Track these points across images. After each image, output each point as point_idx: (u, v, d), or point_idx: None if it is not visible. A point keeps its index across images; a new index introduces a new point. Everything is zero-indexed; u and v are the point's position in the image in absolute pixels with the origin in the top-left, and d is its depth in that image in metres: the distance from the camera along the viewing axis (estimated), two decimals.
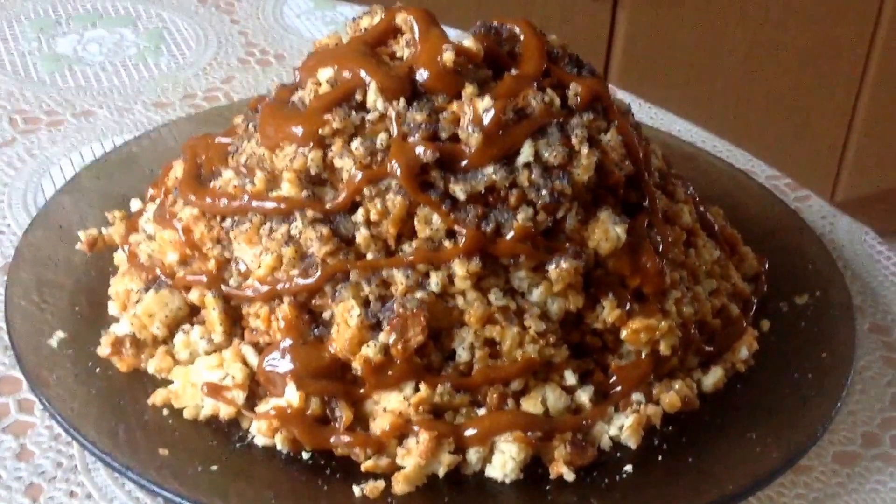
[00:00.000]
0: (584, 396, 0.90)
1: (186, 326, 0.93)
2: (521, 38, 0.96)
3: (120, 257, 1.02)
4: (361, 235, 0.87)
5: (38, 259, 1.02)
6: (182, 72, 1.44)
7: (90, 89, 1.39)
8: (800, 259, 1.10)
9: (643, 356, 0.91)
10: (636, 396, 0.90)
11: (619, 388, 0.91)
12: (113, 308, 0.98)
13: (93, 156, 1.25)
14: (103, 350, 0.92)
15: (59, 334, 0.94)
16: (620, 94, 1.34)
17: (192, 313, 0.94)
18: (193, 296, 0.93)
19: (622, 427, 0.89)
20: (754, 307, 1.03)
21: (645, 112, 1.43)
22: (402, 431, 0.85)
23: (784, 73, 2.62)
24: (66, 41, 1.48)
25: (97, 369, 0.92)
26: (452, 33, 0.97)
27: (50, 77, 1.41)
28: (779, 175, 1.34)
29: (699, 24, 2.48)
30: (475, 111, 0.88)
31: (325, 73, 0.93)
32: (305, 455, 0.86)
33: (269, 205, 0.90)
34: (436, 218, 0.87)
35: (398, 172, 0.87)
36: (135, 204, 1.10)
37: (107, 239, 1.04)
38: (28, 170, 1.22)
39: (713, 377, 0.94)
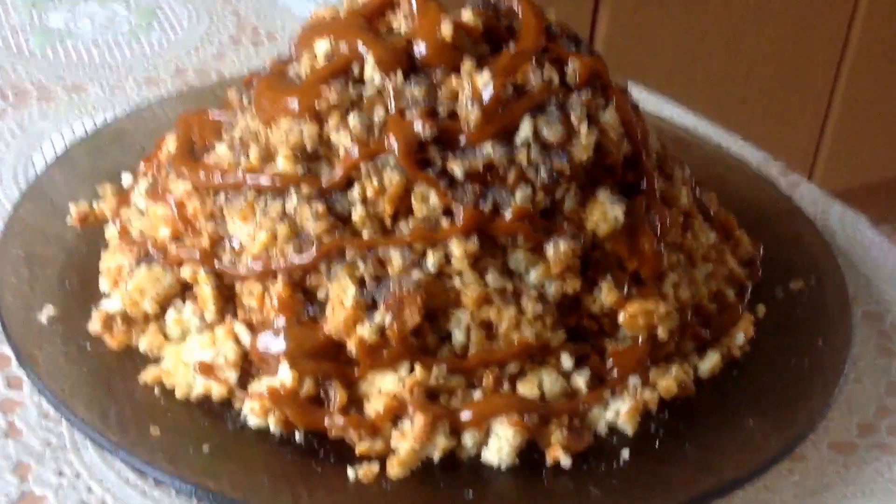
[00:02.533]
0: (580, 380, 0.88)
1: (178, 303, 0.92)
2: (519, 13, 0.95)
3: (111, 232, 1.00)
4: (357, 213, 0.86)
5: (27, 234, 1.00)
6: (174, 49, 1.43)
7: (82, 64, 1.37)
8: (794, 245, 1.09)
9: (640, 341, 0.90)
10: (633, 381, 0.89)
11: (615, 373, 0.89)
12: (104, 284, 0.96)
13: (84, 131, 1.23)
14: (94, 326, 0.91)
15: (49, 309, 0.92)
16: None
17: (184, 290, 0.93)
18: (185, 272, 0.92)
19: (619, 412, 0.88)
20: (749, 292, 1.02)
21: (636, 95, 1.41)
22: (396, 413, 0.84)
23: (761, 66, 2.62)
24: (57, 16, 1.46)
25: (87, 346, 0.90)
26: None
27: (41, 51, 1.39)
28: (770, 159, 1.33)
29: (681, 12, 2.48)
30: (474, 87, 0.86)
31: (322, 46, 0.91)
32: (299, 437, 0.85)
33: (264, 180, 0.89)
34: (433, 196, 0.86)
35: (395, 149, 0.86)
36: (126, 179, 1.08)
37: (98, 213, 1.03)
38: (18, 144, 1.20)
39: (709, 362, 0.94)
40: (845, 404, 0.97)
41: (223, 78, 1.37)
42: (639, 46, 2.48)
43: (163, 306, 0.92)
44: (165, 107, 1.21)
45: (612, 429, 0.88)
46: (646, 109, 1.29)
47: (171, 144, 1.00)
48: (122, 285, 0.93)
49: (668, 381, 0.90)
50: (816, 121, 2.78)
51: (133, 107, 1.26)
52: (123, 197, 1.02)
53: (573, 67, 0.91)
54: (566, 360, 0.89)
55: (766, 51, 2.60)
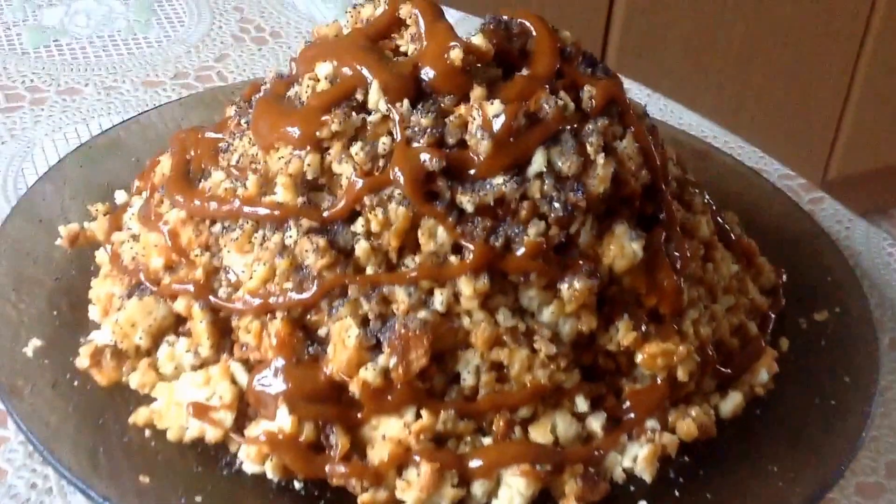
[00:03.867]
0: (595, 424, 0.84)
1: (171, 338, 0.87)
2: (533, 34, 0.89)
3: (102, 257, 0.95)
4: (361, 248, 0.81)
5: (16, 254, 0.96)
6: (173, 48, 1.38)
7: (76, 64, 1.32)
8: (817, 270, 1.04)
9: (659, 381, 0.85)
10: (650, 423, 0.85)
11: (632, 415, 0.85)
12: (94, 312, 0.92)
13: (77, 137, 1.19)
14: (82, 362, 0.86)
15: (36, 342, 0.88)
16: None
17: (178, 323, 0.88)
18: (179, 305, 0.87)
19: (636, 458, 0.83)
20: (772, 324, 0.98)
21: (654, 104, 1.36)
22: (401, 461, 0.80)
23: (781, 51, 2.58)
24: (52, 12, 1.41)
25: (75, 382, 0.86)
26: (455, 15, 0.90)
27: (35, 50, 1.34)
28: (792, 174, 1.28)
29: (697, 3, 2.43)
30: (485, 116, 0.81)
31: (324, 69, 0.86)
32: (298, 485, 0.81)
33: (262, 211, 0.84)
34: (441, 231, 0.81)
35: (402, 181, 0.81)
36: (120, 196, 1.03)
37: (89, 234, 0.98)
38: (9, 151, 1.16)
39: (732, 403, 0.89)
40: (872, 441, 0.93)
41: (225, 80, 1.33)
42: (652, 41, 2.43)
43: (155, 340, 0.88)
44: (164, 114, 1.17)
45: (630, 475, 0.84)
46: (662, 118, 1.25)
47: (165, 166, 0.95)
48: (113, 316, 0.89)
49: (688, 423, 0.85)
50: (836, 106, 2.74)
51: (129, 111, 1.22)
52: (116, 218, 0.97)
53: (589, 93, 0.86)
54: (581, 403, 0.84)
55: (783, 40, 2.56)
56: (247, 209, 0.84)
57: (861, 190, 2.78)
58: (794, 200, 1.14)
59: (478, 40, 0.85)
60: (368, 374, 0.80)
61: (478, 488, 0.80)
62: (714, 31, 2.48)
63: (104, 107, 1.25)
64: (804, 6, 2.53)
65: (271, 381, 0.82)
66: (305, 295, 0.82)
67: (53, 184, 1.05)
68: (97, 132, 1.17)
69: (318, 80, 0.86)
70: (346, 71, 0.85)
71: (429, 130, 0.82)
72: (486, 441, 0.82)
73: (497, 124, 0.81)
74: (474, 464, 0.80)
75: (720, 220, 1.00)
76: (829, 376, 0.92)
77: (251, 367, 0.84)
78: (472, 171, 0.81)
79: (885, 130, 2.84)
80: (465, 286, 0.80)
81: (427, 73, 0.84)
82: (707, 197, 0.99)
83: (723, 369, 0.90)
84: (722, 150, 1.23)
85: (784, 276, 1.02)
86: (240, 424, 0.83)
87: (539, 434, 0.82)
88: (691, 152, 1.16)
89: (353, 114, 0.83)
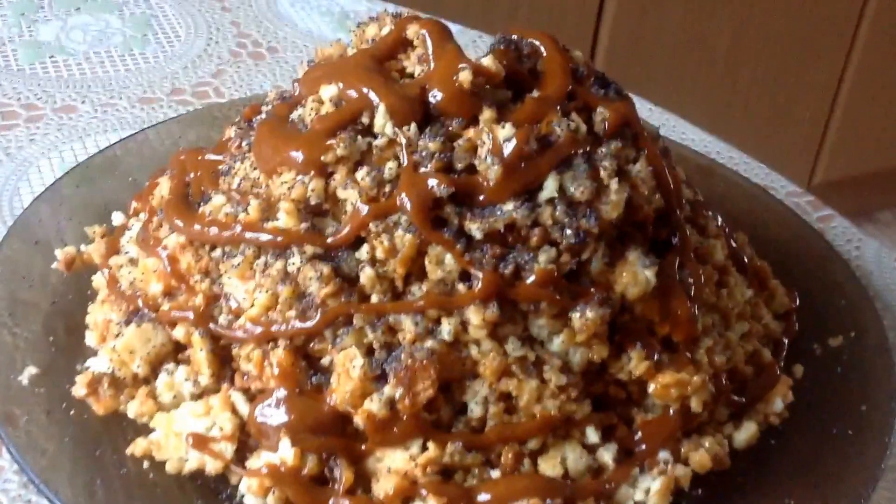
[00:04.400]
0: (606, 456, 0.82)
1: (170, 366, 0.85)
2: (543, 53, 0.87)
3: (99, 281, 0.93)
4: (366, 275, 0.79)
5: (12, 276, 0.94)
6: (170, 64, 1.35)
7: (72, 81, 1.30)
8: (830, 292, 1.02)
9: (671, 411, 0.83)
10: (663, 455, 0.83)
11: (644, 446, 0.83)
12: (91, 338, 0.89)
13: (73, 156, 1.17)
14: (79, 391, 0.84)
15: (31, 369, 0.85)
16: None
17: (177, 350, 0.86)
18: (179, 332, 0.85)
19: (648, 491, 0.81)
20: (785, 350, 0.95)
21: (657, 118, 1.34)
22: (407, 495, 0.77)
23: (768, 56, 2.59)
24: (48, 28, 1.39)
25: (72, 411, 0.84)
26: (454, 28, 0.87)
27: (30, 67, 1.32)
28: (799, 192, 1.26)
29: (685, 7, 2.44)
30: (494, 140, 0.79)
31: (329, 91, 0.84)
32: None
33: (264, 237, 0.82)
34: (449, 258, 0.79)
35: (408, 207, 0.78)
36: (117, 217, 1.01)
37: (85, 258, 0.96)
38: (4, 171, 1.13)
39: (746, 433, 0.87)
40: (891, 472, 0.90)
41: (222, 96, 1.30)
42: (640, 47, 2.43)
43: (154, 368, 0.85)
44: (161, 132, 1.14)
45: None
46: (664, 134, 1.23)
47: (164, 188, 0.92)
48: (111, 342, 0.86)
49: (701, 454, 0.83)
50: (822, 111, 2.74)
51: (126, 129, 1.20)
52: (113, 241, 0.95)
53: (602, 115, 0.84)
54: (592, 434, 0.82)
55: (771, 42, 2.57)
56: (248, 235, 0.82)
57: (846, 194, 2.78)
58: (804, 220, 1.12)
59: (488, 62, 0.82)
60: (373, 405, 0.77)
61: None
62: (702, 38, 2.49)
63: (100, 124, 1.23)
64: (792, 12, 2.53)
65: (273, 412, 0.80)
66: (309, 323, 0.80)
67: (49, 205, 1.02)
68: (93, 150, 1.15)
69: (323, 103, 0.84)
70: (352, 93, 0.82)
71: (437, 155, 0.79)
72: (495, 474, 0.79)
73: (507, 148, 0.79)
74: (482, 498, 0.78)
75: (733, 242, 0.98)
76: (845, 405, 0.90)
77: (252, 396, 0.82)
78: (481, 197, 0.79)
79: (872, 135, 2.85)
80: (474, 315, 0.78)
81: (435, 96, 0.81)
82: (720, 219, 0.97)
83: (736, 398, 0.88)
84: (727, 167, 1.21)
85: (797, 301, 1.00)
86: (241, 456, 0.81)
87: (549, 466, 0.80)
88: (696, 169, 1.13)
89: (359, 138, 0.81)
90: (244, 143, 0.88)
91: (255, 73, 1.36)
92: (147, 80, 1.32)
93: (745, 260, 0.98)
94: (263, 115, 0.90)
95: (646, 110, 1.35)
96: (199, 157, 0.92)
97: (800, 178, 2.71)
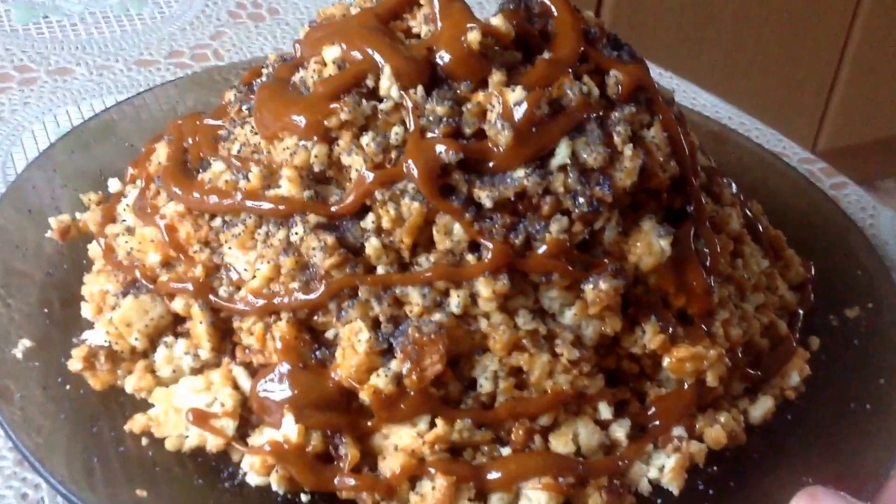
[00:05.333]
0: (619, 432, 0.79)
1: (169, 338, 0.82)
2: (555, 14, 0.84)
3: (95, 251, 0.90)
4: (371, 246, 0.76)
5: (4, 245, 0.91)
6: (167, 25, 1.32)
7: (67, 42, 1.27)
8: (846, 263, 0.99)
9: (686, 386, 0.81)
10: (677, 431, 0.80)
11: (658, 422, 0.80)
12: (87, 310, 0.87)
13: (68, 120, 1.13)
14: (75, 365, 0.81)
15: (25, 342, 0.83)
16: None
17: (177, 323, 0.83)
18: (178, 304, 0.82)
19: (663, 468, 0.79)
20: (801, 322, 0.93)
21: (666, 84, 1.31)
22: (415, 473, 0.75)
23: (773, 24, 2.56)
24: None
25: (67, 386, 0.81)
26: None
27: (24, 27, 1.28)
28: (812, 158, 1.23)
29: None
30: (504, 104, 0.76)
31: (332, 53, 0.81)
32: (305, 498, 0.76)
33: (266, 205, 0.79)
34: (457, 228, 0.76)
35: (415, 174, 0.75)
36: (113, 184, 0.98)
37: (81, 226, 0.93)
38: None
39: (762, 408, 0.84)
40: None
41: (221, 58, 1.27)
42: (646, 11, 2.40)
43: (152, 341, 0.83)
44: (158, 95, 1.11)
45: (656, 487, 0.79)
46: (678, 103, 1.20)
47: (161, 154, 0.89)
48: (107, 314, 0.83)
49: (716, 430, 0.81)
50: (823, 87, 2.72)
51: (122, 92, 1.17)
52: (109, 209, 0.92)
53: (615, 78, 0.81)
54: (604, 410, 0.79)
55: (776, 12, 2.53)
56: (249, 203, 0.79)
57: (850, 163, 2.75)
58: (819, 188, 1.09)
59: (497, 21, 0.79)
60: (380, 380, 0.75)
61: (496, 502, 0.75)
62: (707, 1, 2.45)
63: (96, 87, 1.20)
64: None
65: (276, 387, 0.77)
66: (312, 295, 0.77)
67: (43, 171, 0.99)
68: (89, 114, 1.12)
69: (326, 65, 0.80)
70: (356, 55, 0.79)
71: (444, 120, 0.76)
72: (505, 451, 0.77)
73: (518, 113, 0.75)
74: (492, 476, 0.75)
75: (748, 211, 0.95)
76: (863, 378, 0.88)
77: (254, 371, 0.79)
78: (490, 164, 0.76)
79: (875, 104, 2.83)
80: (483, 287, 0.75)
81: (442, 58, 0.78)
82: (734, 187, 0.94)
83: (752, 372, 0.85)
84: (740, 133, 1.18)
85: (813, 270, 0.97)
86: (242, 433, 0.78)
87: (560, 443, 0.78)
88: (708, 135, 1.11)
89: (364, 101, 0.78)
90: (244, 108, 0.85)
91: (256, 36, 1.33)
92: (144, 42, 1.29)
93: (760, 229, 0.95)
94: (264, 79, 0.86)
95: (655, 75, 1.31)
96: (198, 122, 0.89)
97: (803, 145, 2.69)
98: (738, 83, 2.57)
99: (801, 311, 0.93)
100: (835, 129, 2.80)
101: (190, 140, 0.88)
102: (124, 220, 0.90)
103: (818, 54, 2.66)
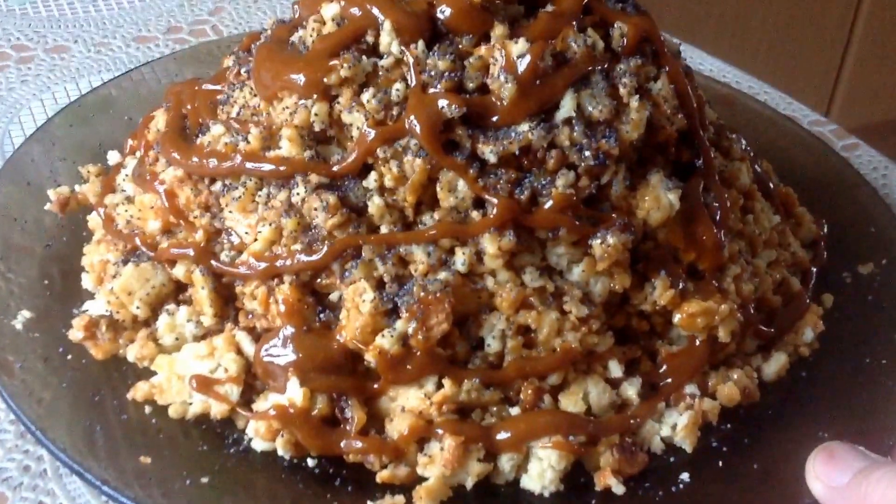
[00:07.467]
0: (630, 390, 0.78)
1: (171, 306, 0.81)
2: None
3: (95, 221, 0.89)
4: (374, 204, 0.75)
5: (4, 219, 0.90)
6: (165, 1, 1.31)
7: (64, 21, 1.26)
8: (859, 220, 0.98)
9: (698, 342, 0.79)
10: (689, 389, 0.79)
11: (669, 380, 0.79)
12: (87, 281, 0.85)
13: (67, 97, 1.12)
14: (76, 334, 0.80)
15: (25, 314, 0.81)
16: None
17: (178, 290, 0.82)
18: (179, 271, 0.81)
19: (675, 426, 0.77)
20: (814, 278, 0.91)
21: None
22: (423, 435, 0.73)
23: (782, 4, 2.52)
24: None
25: (69, 356, 0.80)
26: None
27: (20, 7, 1.27)
28: (823, 120, 1.22)
29: None
30: (507, 57, 0.75)
31: (330, 10, 0.79)
32: (311, 462, 0.75)
33: (266, 167, 0.77)
34: (461, 184, 0.74)
35: (417, 130, 0.74)
36: (112, 157, 0.97)
37: (80, 198, 0.92)
38: None
39: (776, 364, 0.83)
40: None
41: (220, 34, 1.26)
42: None
43: (154, 309, 0.81)
44: (157, 70, 1.10)
45: (669, 445, 0.77)
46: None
47: (160, 121, 0.88)
48: (108, 284, 0.82)
49: (729, 387, 0.79)
50: (834, 58, 2.69)
51: (121, 70, 1.15)
52: (109, 180, 0.91)
53: (620, 30, 0.79)
54: (615, 368, 0.78)
55: None
56: (249, 165, 0.78)
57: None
58: (830, 147, 1.08)
59: None
60: (385, 341, 0.73)
61: (506, 462, 0.74)
62: None
63: (94, 65, 1.19)
64: None
65: (280, 351, 0.76)
66: (315, 257, 0.76)
67: (42, 145, 0.98)
68: (87, 91, 1.10)
69: (324, 23, 0.79)
70: (355, 11, 0.78)
71: (446, 74, 0.75)
72: (514, 411, 0.75)
73: (522, 65, 0.74)
74: (501, 436, 0.74)
75: (758, 167, 0.93)
76: (878, 333, 0.86)
77: (258, 336, 0.78)
78: (494, 118, 0.75)
79: (884, 86, 2.79)
80: (489, 244, 0.74)
81: (443, 11, 0.77)
82: (745, 143, 0.92)
83: (765, 329, 0.84)
84: (749, 95, 1.16)
85: (825, 228, 0.95)
86: (247, 398, 0.77)
87: (570, 402, 0.76)
88: (716, 98, 1.09)
89: (364, 58, 0.76)
90: (243, 71, 0.84)
91: (255, 11, 1.32)
92: (142, 19, 1.28)
93: (771, 185, 0.94)
94: (262, 40, 0.85)
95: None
96: (196, 88, 0.87)
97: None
98: (747, 52, 2.54)
99: (813, 269, 0.92)
100: (843, 112, 2.77)
101: (189, 106, 0.86)
102: (124, 190, 0.89)
103: (826, 34, 2.63)
